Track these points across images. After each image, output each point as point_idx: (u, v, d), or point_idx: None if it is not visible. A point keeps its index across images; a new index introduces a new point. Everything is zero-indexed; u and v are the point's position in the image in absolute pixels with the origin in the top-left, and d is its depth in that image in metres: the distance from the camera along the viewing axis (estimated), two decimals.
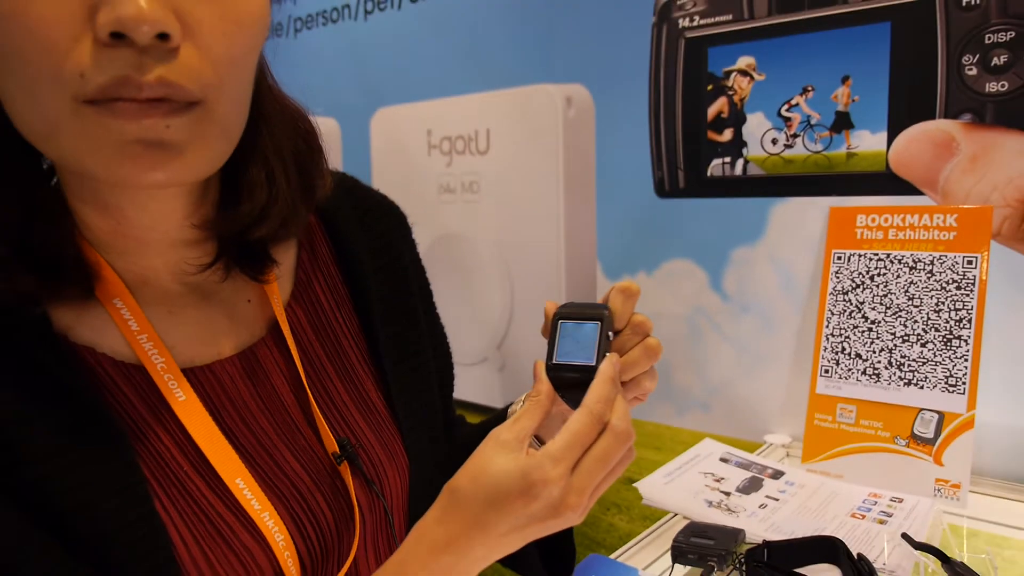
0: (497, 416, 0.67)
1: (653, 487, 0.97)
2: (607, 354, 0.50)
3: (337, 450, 0.55)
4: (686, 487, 0.97)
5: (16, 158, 0.46)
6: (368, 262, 0.63)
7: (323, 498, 0.54)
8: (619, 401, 0.48)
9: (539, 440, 0.56)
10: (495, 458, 0.46)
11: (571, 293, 1.40)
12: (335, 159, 1.83)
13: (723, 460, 1.06)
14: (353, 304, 0.63)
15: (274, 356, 0.56)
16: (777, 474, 1.02)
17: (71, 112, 0.40)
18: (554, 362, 0.50)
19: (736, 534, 0.83)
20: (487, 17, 1.48)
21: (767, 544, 0.79)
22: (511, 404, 0.62)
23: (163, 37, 0.39)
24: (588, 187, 1.37)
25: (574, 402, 0.48)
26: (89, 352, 0.49)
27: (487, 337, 1.52)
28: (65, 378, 0.46)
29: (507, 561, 0.69)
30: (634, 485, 0.97)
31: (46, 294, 0.47)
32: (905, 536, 0.78)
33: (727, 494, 0.96)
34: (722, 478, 1.00)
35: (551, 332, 0.51)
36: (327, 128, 1.84)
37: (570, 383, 0.49)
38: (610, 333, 0.51)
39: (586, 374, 0.49)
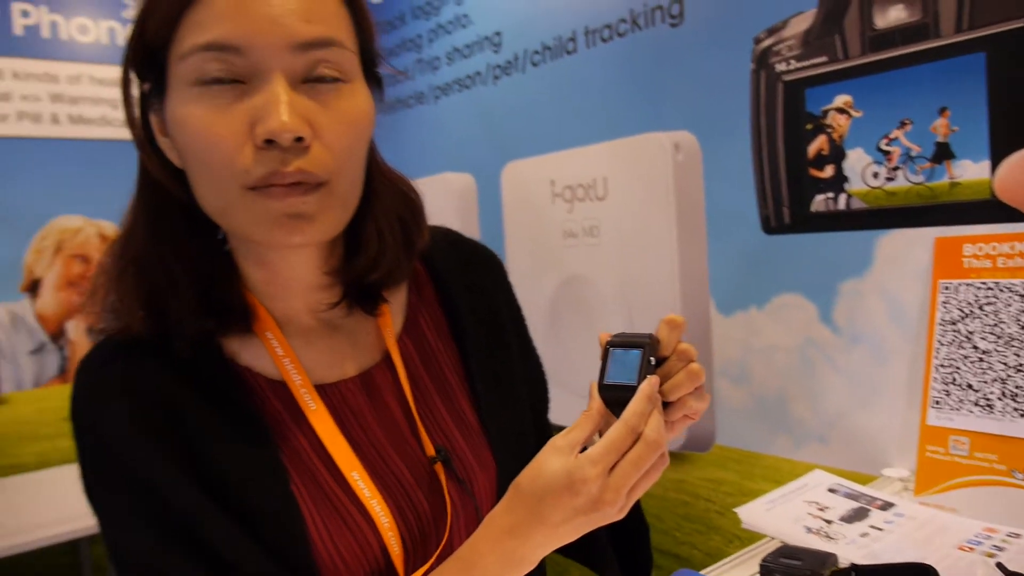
0: None
1: (753, 512, 1.00)
2: (648, 376, 0.58)
3: (434, 454, 0.66)
4: (787, 514, 1.00)
5: (202, 232, 0.63)
6: (465, 302, 0.75)
7: (422, 492, 0.65)
8: (654, 415, 0.56)
9: None
10: (549, 461, 0.56)
11: (687, 329, 1.45)
12: (472, 210, 2.00)
13: (831, 491, 1.07)
14: (453, 337, 0.75)
15: (387, 377, 0.69)
16: (887, 506, 1.02)
17: (239, 197, 0.56)
18: (604, 383, 0.59)
19: (827, 558, 0.85)
20: (600, 74, 1.60)
21: (855, 567, 0.81)
22: None
23: (299, 140, 0.55)
24: (699, 227, 1.43)
25: (619, 416, 0.57)
26: (248, 372, 0.64)
27: None
28: (231, 391, 0.62)
29: (588, 562, 0.78)
30: (735, 510, 1.01)
31: (221, 331, 0.63)
32: (1000, 566, 0.78)
33: (828, 522, 0.98)
34: (826, 507, 1.02)
35: (603, 357, 0.60)
36: (464, 183, 2.02)
37: (617, 400, 0.58)
38: (652, 359, 0.59)
39: (628, 392, 0.57)
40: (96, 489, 0.59)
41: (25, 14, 2.20)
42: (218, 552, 0.57)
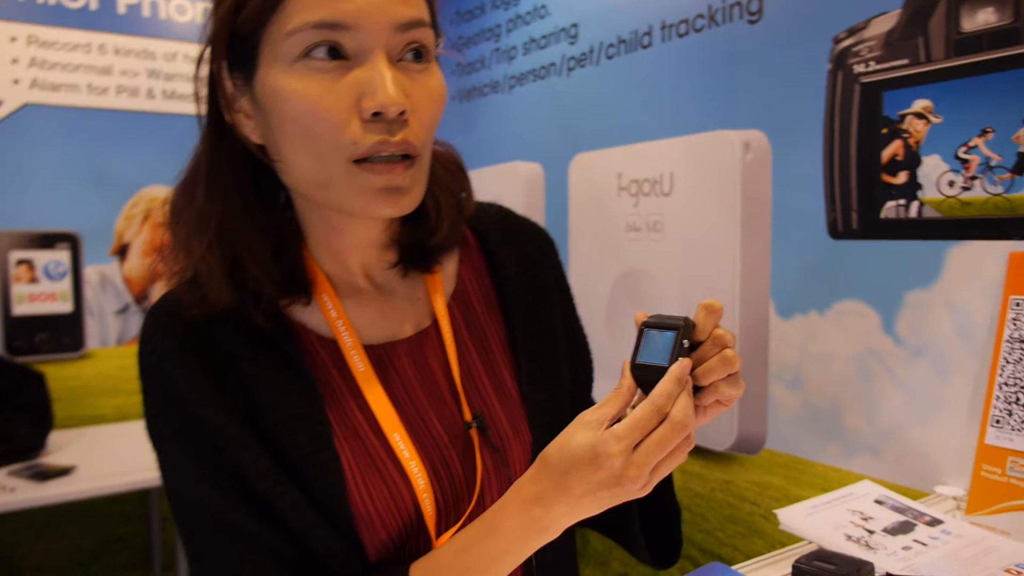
0: None
1: (793, 515, 0.99)
2: (679, 358, 0.59)
3: (471, 419, 0.69)
4: (829, 519, 0.99)
5: (269, 204, 0.66)
6: (513, 276, 0.77)
7: (456, 455, 0.68)
8: (682, 397, 0.56)
9: None
10: (576, 434, 0.57)
11: (744, 329, 1.44)
12: (539, 199, 2.02)
13: (878, 502, 1.05)
14: (500, 308, 0.77)
15: (433, 343, 0.72)
16: (935, 522, 0.99)
17: (343, 169, 0.59)
18: (636, 362, 0.60)
19: (862, 566, 0.84)
20: (674, 70, 1.59)
21: None
22: None
23: (402, 113, 0.58)
24: (763, 227, 1.41)
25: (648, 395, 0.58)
26: (302, 328, 0.68)
27: None
28: (285, 346, 0.65)
29: (619, 538, 0.79)
30: (774, 512, 1.00)
31: (286, 298, 0.67)
32: None
33: (871, 532, 0.96)
34: (870, 517, 1.00)
35: (637, 337, 0.61)
36: (533, 172, 2.04)
37: (647, 380, 0.59)
38: (685, 342, 0.60)
39: (659, 373, 0.58)
40: (156, 427, 0.64)
41: None
42: (263, 496, 0.61)
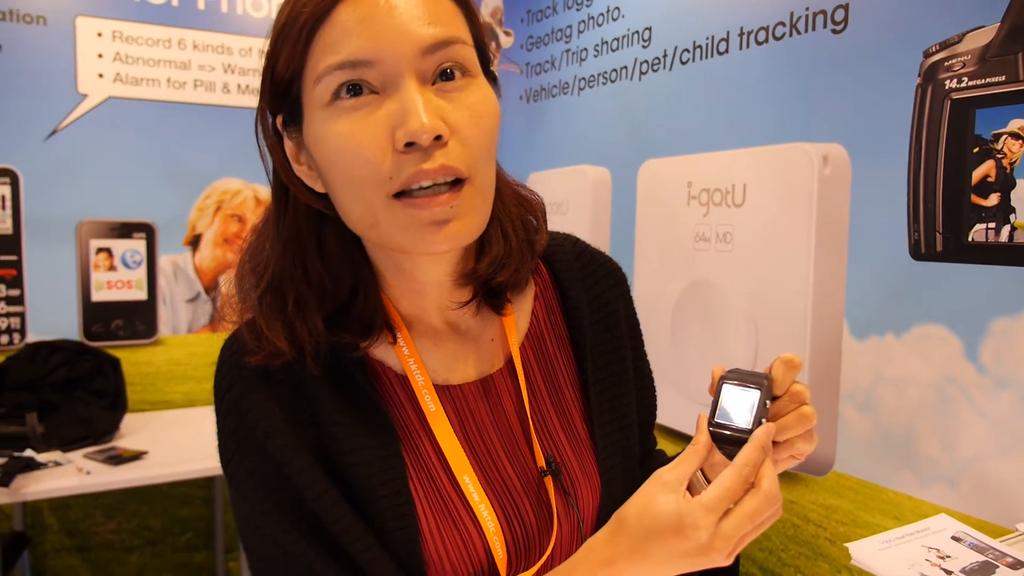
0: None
1: (866, 550, 0.96)
2: (763, 421, 0.57)
3: (544, 465, 0.68)
4: (903, 557, 0.96)
5: (350, 250, 0.66)
6: (587, 315, 0.75)
7: (529, 502, 0.67)
8: (767, 466, 0.55)
9: (704, 474, 0.64)
10: (658, 497, 0.56)
11: (815, 348, 1.40)
12: (605, 204, 2.00)
13: (955, 539, 1.01)
14: (572, 347, 0.75)
15: (507, 384, 0.70)
16: (1017, 564, 0.95)
17: (385, 206, 0.57)
18: (716, 420, 0.58)
19: None
20: (751, 77, 1.55)
21: None
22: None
23: (438, 139, 0.56)
24: (840, 244, 1.37)
25: (730, 455, 0.57)
26: (380, 365, 0.67)
27: None
28: (365, 386, 0.65)
29: None
30: (846, 545, 0.97)
31: (362, 338, 0.66)
32: None
33: (948, 572, 0.92)
34: (948, 556, 0.96)
35: (716, 393, 0.59)
36: (600, 176, 2.02)
37: (727, 440, 0.57)
38: (767, 401, 0.58)
39: (741, 435, 0.56)
40: (232, 463, 0.63)
41: None
42: (335, 539, 0.60)
